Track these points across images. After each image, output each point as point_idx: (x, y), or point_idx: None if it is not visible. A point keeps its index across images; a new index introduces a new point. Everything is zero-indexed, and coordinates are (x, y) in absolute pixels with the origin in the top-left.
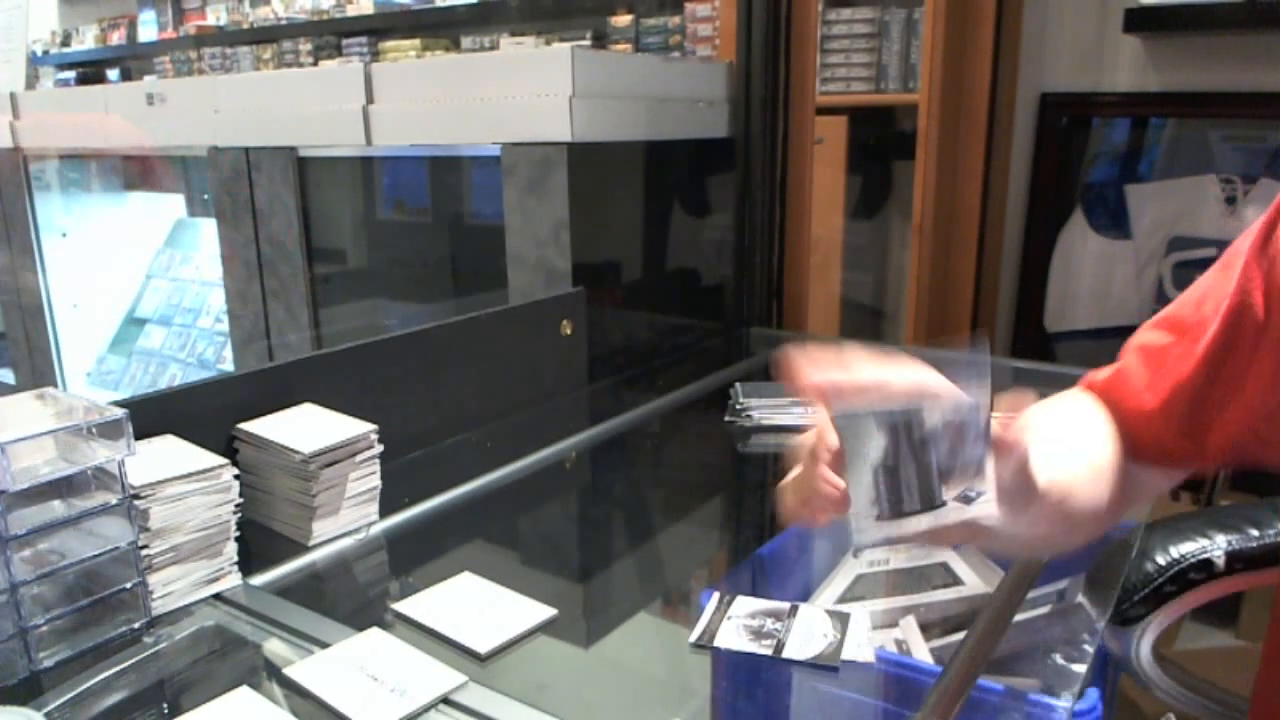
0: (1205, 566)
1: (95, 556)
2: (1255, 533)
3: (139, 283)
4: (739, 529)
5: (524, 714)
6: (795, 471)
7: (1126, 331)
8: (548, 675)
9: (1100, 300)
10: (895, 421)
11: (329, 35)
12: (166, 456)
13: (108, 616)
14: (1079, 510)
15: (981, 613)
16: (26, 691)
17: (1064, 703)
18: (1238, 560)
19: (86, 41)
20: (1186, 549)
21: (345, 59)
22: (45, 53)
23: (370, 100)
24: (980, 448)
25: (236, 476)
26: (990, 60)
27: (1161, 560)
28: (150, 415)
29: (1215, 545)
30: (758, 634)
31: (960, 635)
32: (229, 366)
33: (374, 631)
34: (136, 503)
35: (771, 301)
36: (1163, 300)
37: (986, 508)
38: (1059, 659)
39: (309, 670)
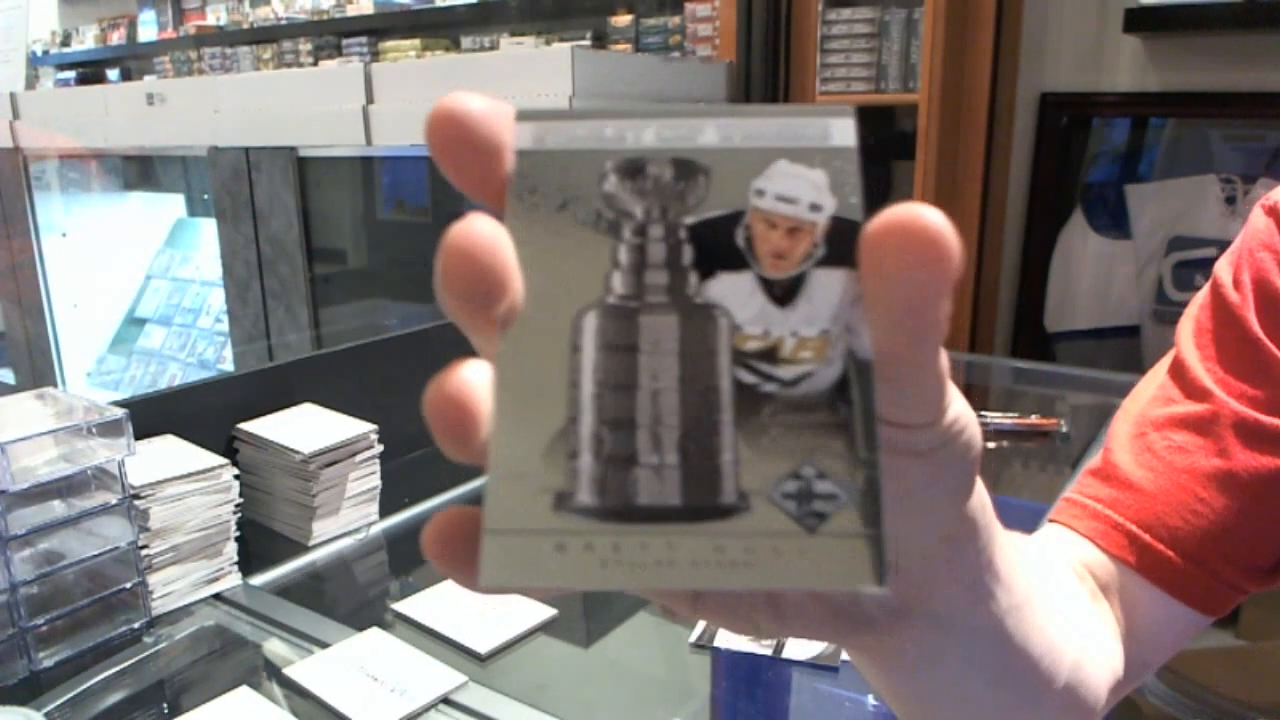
0: None
1: (95, 556)
2: None
3: (139, 283)
4: None
5: (524, 714)
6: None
7: (1126, 332)
8: (548, 675)
9: (1100, 300)
10: (659, 184)
11: (329, 35)
12: (166, 456)
13: (108, 616)
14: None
15: None
16: (26, 691)
17: None
18: None
19: (86, 41)
20: None
21: (345, 59)
22: (45, 53)
23: (370, 100)
24: (864, 342)
25: (236, 476)
26: (990, 60)
27: None
28: (150, 415)
29: None
30: None
31: None
32: (229, 366)
33: (374, 631)
34: (136, 503)
35: None
36: (1163, 300)
37: (869, 586)
38: None
39: (309, 670)
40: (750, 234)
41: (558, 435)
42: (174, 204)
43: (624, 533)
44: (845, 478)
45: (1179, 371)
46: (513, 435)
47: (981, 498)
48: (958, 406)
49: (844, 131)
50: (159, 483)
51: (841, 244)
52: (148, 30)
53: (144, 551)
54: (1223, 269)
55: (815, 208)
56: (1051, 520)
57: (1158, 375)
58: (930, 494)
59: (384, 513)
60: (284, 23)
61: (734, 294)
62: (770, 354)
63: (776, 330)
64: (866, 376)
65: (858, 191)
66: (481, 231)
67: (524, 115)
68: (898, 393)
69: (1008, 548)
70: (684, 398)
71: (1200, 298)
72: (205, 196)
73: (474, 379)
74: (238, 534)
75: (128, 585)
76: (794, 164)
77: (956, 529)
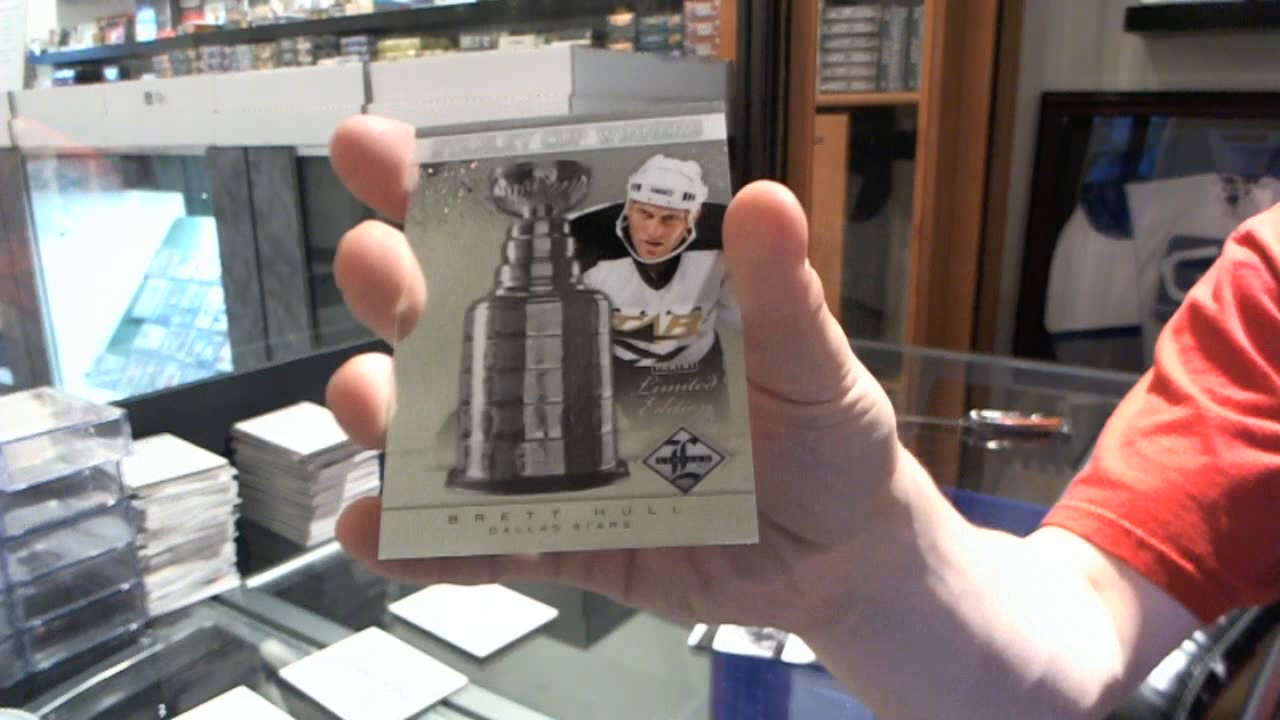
0: (1211, 683)
1: (92, 557)
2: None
3: (137, 282)
4: None
5: (523, 716)
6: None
7: (1128, 331)
8: (547, 676)
9: (1101, 300)
10: (544, 184)
11: (327, 34)
12: (164, 457)
13: (105, 617)
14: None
15: None
16: (23, 693)
17: None
18: (1234, 656)
19: (85, 40)
20: (1179, 666)
21: (344, 58)
22: (43, 51)
23: (369, 99)
24: (733, 316)
25: (235, 477)
26: (991, 59)
27: (1163, 688)
28: (148, 415)
29: (1206, 650)
30: (758, 635)
31: None
32: (227, 366)
33: (372, 632)
34: (134, 503)
35: None
36: (1164, 300)
37: (739, 538)
38: None
39: (306, 671)
40: (628, 224)
41: (451, 417)
42: (172, 203)
43: (511, 503)
44: (716, 440)
45: (1162, 386)
46: (409, 419)
47: (915, 481)
48: (863, 386)
49: (715, 126)
50: (157, 483)
51: (711, 228)
52: (146, 29)
53: (141, 552)
54: (1199, 291)
55: (688, 196)
56: (1045, 525)
57: (1140, 393)
58: (841, 466)
59: None
60: (283, 22)
61: (613, 280)
62: (646, 332)
63: (652, 310)
64: (736, 346)
65: (727, 179)
66: (373, 236)
67: (422, 132)
68: (787, 367)
69: (959, 534)
70: (567, 376)
71: (1175, 322)
72: (204, 196)
73: (371, 370)
74: (236, 534)
75: (125, 586)
76: (668, 158)
77: (882, 509)
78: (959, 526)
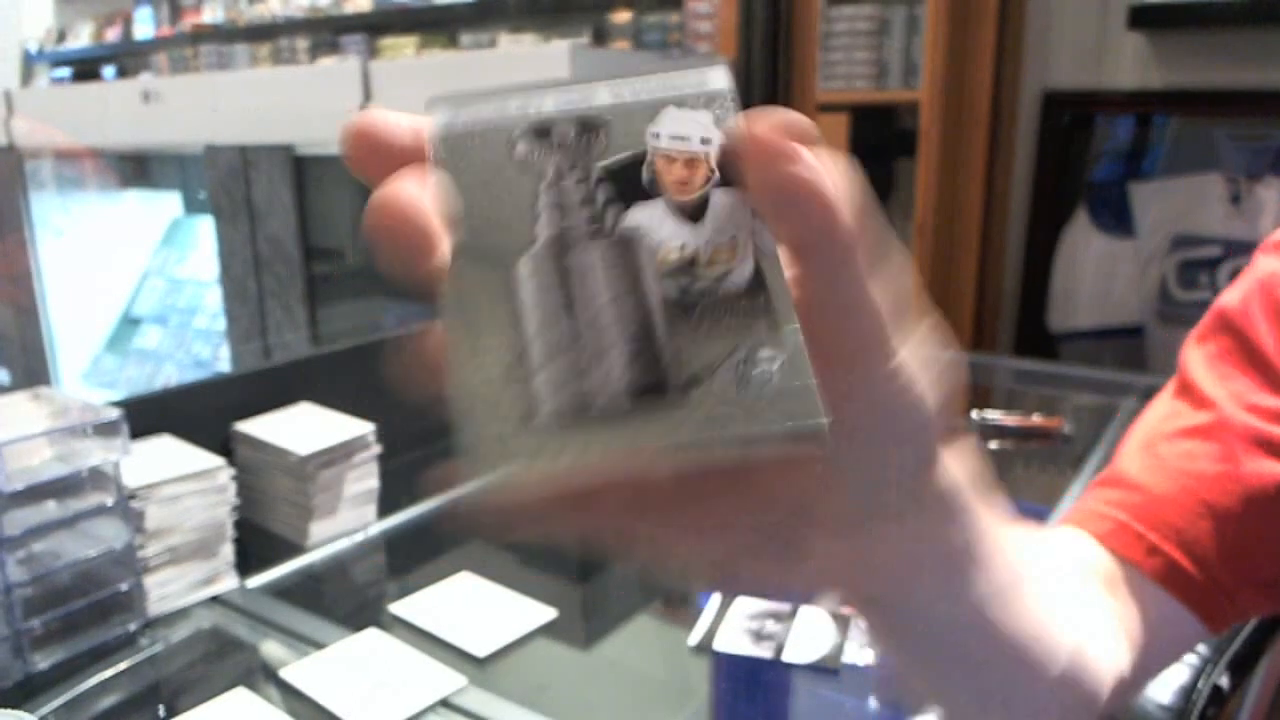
0: (1216, 696)
1: (91, 558)
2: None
3: (135, 282)
4: None
5: (523, 716)
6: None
7: (1130, 331)
8: (547, 677)
9: (1103, 299)
10: (565, 141)
11: (326, 33)
12: (163, 457)
13: (103, 618)
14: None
15: None
16: (21, 694)
17: None
18: (1239, 667)
19: (82, 39)
20: (1183, 679)
21: (342, 56)
22: (40, 50)
23: (368, 98)
24: (767, 239)
25: (233, 477)
26: (993, 57)
27: (1168, 702)
28: (146, 415)
29: (1210, 663)
30: (758, 636)
31: None
32: (225, 366)
33: (371, 632)
34: (132, 504)
35: None
36: (1166, 299)
37: (810, 423)
38: None
39: (305, 672)
40: (654, 170)
41: (508, 367)
42: (170, 202)
43: (588, 435)
44: (772, 348)
45: (1186, 391)
46: (468, 374)
47: (955, 478)
48: (906, 361)
49: (719, 77)
50: (155, 484)
51: (732, 166)
52: (144, 27)
53: (140, 553)
54: (1227, 299)
55: (705, 141)
56: (1060, 524)
57: (1165, 399)
58: (880, 446)
59: (383, 512)
60: (281, 20)
61: (650, 220)
62: (690, 264)
63: (692, 243)
64: (775, 267)
65: (739, 122)
66: (406, 189)
67: (437, 100)
68: (830, 319)
69: (994, 530)
70: (621, 312)
71: (1200, 330)
72: (202, 195)
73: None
74: (234, 535)
75: (123, 587)
76: (680, 109)
77: (925, 507)
78: (994, 522)
